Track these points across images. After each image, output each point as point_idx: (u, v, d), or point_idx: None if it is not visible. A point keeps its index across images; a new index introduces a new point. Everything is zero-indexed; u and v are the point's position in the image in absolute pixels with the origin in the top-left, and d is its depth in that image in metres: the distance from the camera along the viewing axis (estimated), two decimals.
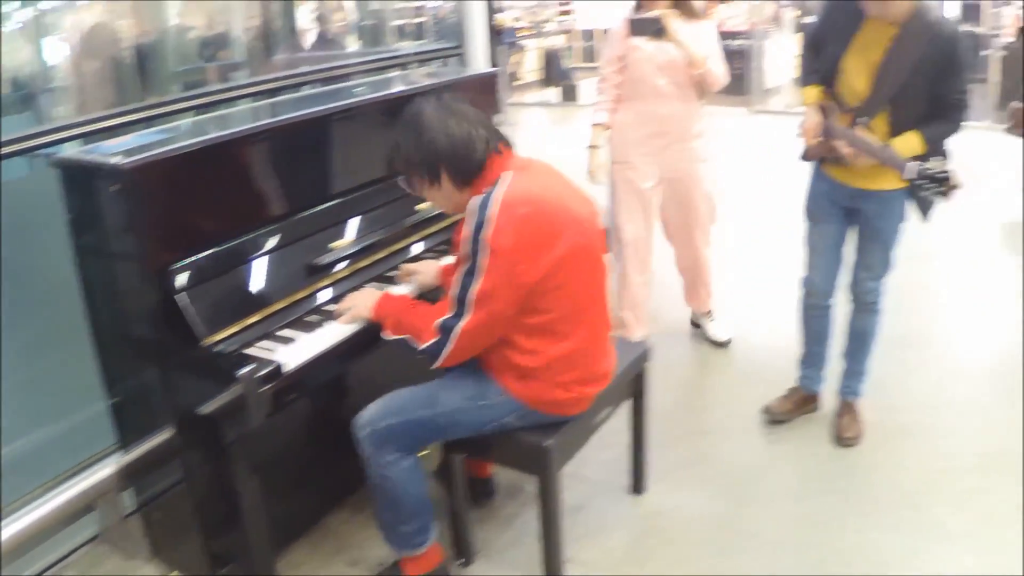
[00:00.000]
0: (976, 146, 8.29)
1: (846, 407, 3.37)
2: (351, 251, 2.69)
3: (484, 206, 2.14)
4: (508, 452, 2.45)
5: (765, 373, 3.77)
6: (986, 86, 11.50)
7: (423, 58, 4.05)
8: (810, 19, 11.47)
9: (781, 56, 11.40)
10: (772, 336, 3.97)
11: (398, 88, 3.15)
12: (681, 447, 3.34)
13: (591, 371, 2.39)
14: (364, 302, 2.40)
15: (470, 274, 2.15)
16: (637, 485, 3.02)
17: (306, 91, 3.47)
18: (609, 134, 3.85)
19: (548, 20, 17.20)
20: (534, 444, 2.37)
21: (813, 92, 3.05)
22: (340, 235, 2.73)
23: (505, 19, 12.49)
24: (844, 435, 3.30)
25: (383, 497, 2.43)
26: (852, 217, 3.13)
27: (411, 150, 2.26)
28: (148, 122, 2.90)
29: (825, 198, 3.15)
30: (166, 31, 4.59)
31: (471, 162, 2.24)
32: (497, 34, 12.60)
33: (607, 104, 3.82)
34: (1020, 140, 6.53)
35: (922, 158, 2.79)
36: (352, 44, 9.79)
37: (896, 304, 4.39)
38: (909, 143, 2.80)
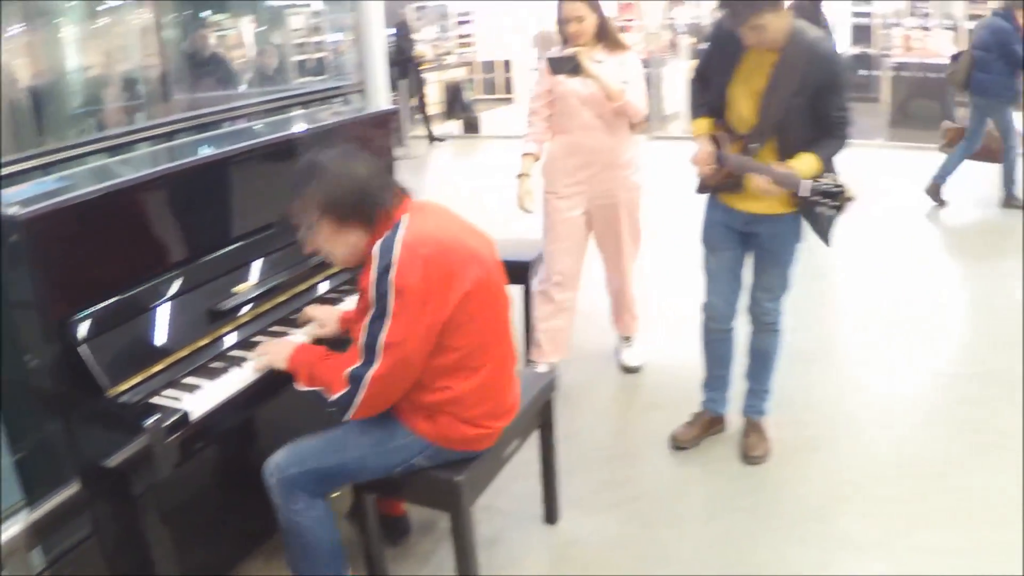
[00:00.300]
0: (870, 163, 8.67)
1: (752, 426, 3.46)
2: (254, 295, 2.69)
3: (388, 249, 2.16)
4: (419, 490, 2.46)
5: (676, 396, 3.83)
6: (878, 105, 11.93)
7: (325, 95, 4.04)
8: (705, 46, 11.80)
9: (678, 83, 11.65)
10: (682, 360, 4.06)
11: (297, 128, 3.15)
12: (593, 473, 3.38)
13: (499, 404, 2.42)
14: (279, 352, 2.39)
15: (378, 319, 2.15)
16: (550, 514, 3.05)
17: (208, 132, 3.44)
18: (539, 164, 3.96)
19: (449, 52, 17.33)
20: (445, 481, 2.38)
21: (703, 124, 3.14)
22: (243, 279, 2.72)
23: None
24: (751, 454, 3.38)
25: (295, 543, 2.41)
26: (748, 242, 3.22)
27: (317, 195, 2.24)
28: (45, 169, 2.85)
29: (720, 226, 3.23)
30: (64, 72, 4.53)
31: (377, 206, 2.25)
32: (416, 67, 12.60)
33: (536, 135, 3.92)
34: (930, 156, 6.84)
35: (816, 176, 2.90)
36: (253, 80, 9.72)
37: (798, 321, 4.54)
38: (807, 164, 2.88)
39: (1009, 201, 6.92)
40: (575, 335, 4.22)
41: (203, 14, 10.77)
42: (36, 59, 4.37)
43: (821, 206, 2.81)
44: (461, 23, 17.88)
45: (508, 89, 16.03)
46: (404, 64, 11.50)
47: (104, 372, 2.24)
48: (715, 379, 3.50)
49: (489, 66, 17.35)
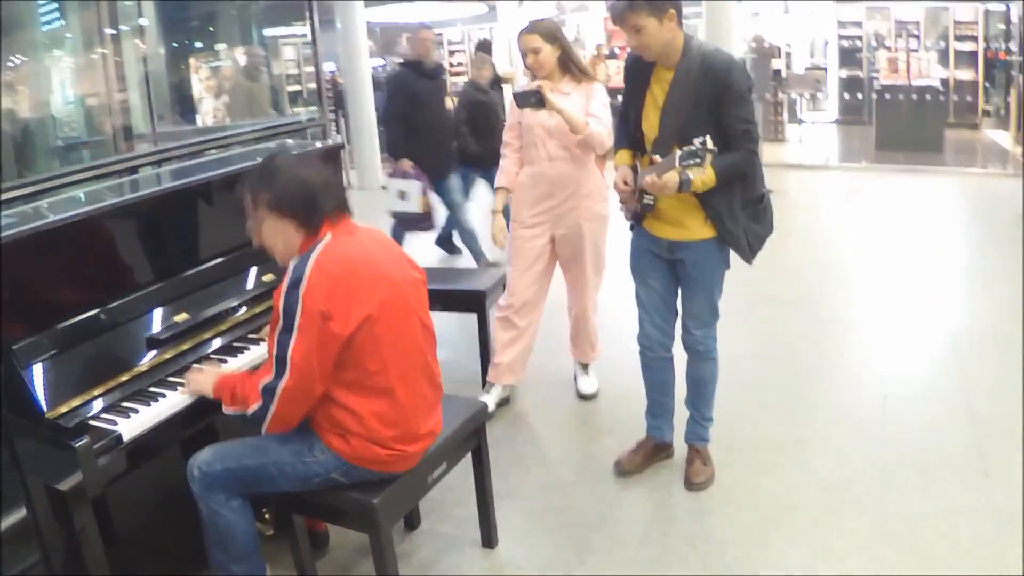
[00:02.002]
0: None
1: (694, 453, 3.49)
2: (193, 323, 2.79)
3: (302, 264, 2.29)
4: (338, 511, 2.54)
5: (629, 424, 3.87)
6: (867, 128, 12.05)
7: (285, 131, 4.14)
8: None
9: None
10: (639, 388, 4.05)
11: (241, 165, 3.25)
12: (536, 499, 3.44)
13: (411, 430, 2.49)
14: (206, 379, 2.50)
15: (286, 332, 2.27)
16: (487, 539, 3.10)
17: (168, 167, 3.55)
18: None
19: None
20: (362, 503, 2.46)
21: (623, 155, 3.25)
22: (183, 308, 2.83)
23: None
24: (693, 480, 3.42)
25: (215, 535, 2.51)
26: (674, 269, 3.27)
27: (269, 188, 2.38)
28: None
29: (646, 253, 3.30)
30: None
31: (316, 213, 2.37)
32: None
33: (507, 169, 4.03)
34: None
35: (726, 190, 2.99)
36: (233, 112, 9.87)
37: (742, 345, 4.62)
38: (702, 175, 2.91)
39: None
40: (534, 360, 4.29)
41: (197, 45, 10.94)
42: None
43: (693, 166, 2.79)
44: (452, 52, 18.13)
45: None
46: None
47: (45, 395, 2.35)
48: (656, 406, 3.55)
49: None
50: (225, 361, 2.74)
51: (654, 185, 2.93)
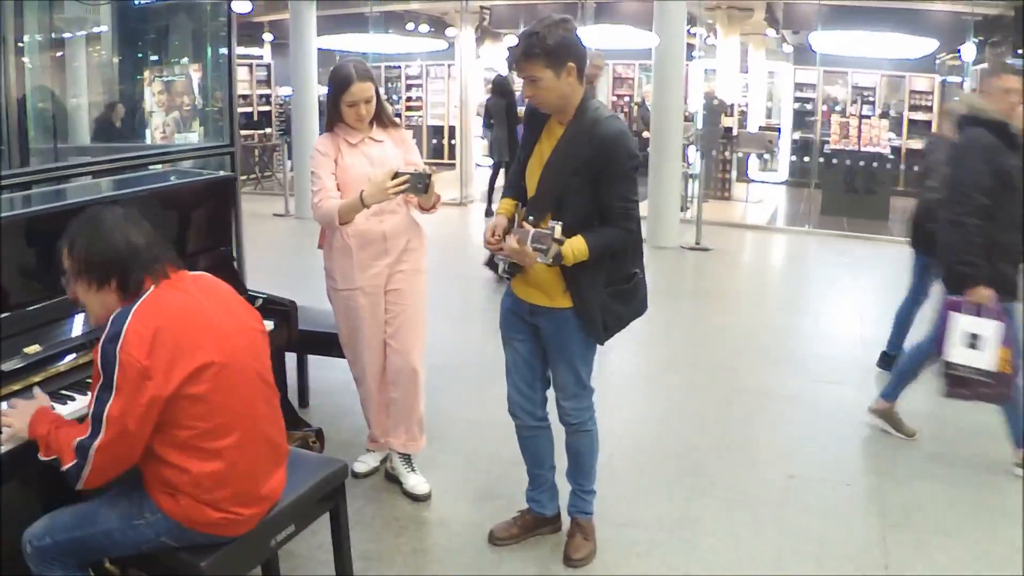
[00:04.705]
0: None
1: (576, 527, 3.33)
2: (43, 356, 2.68)
3: (121, 319, 2.14)
4: (167, 574, 2.38)
5: (517, 488, 3.62)
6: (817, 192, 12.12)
7: (197, 155, 4.01)
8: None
9: None
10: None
11: (119, 190, 3.12)
12: (401, 565, 3.27)
13: (247, 491, 2.34)
14: (21, 419, 2.33)
15: (105, 389, 2.12)
16: None
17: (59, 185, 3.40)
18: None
19: (397, 115, 17.48)
20: (190, 565, 2.30)
21: (505, 204, 3.13)
22: (34, 340, 2.70)
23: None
24: (572, 556, 3.25)
25: None
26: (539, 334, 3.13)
27: (87, 251, 2.23)
28: None
29: (511, 314, 3.17)
30: None
31: (134, 276, 2.23)
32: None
33: None
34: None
35: (592, 265, 2.85)
36: (196, 130, 9.71)
37: (647, 413, 4.49)
38: (574, 246, 2.81)
39: None
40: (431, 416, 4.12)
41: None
42: None
43: (540, 251, 2.73)
44: (411, 86, 18.11)
45: (452, 155, 16.11)
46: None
47: None
48: (534, 478, 3.39)
49: (438, 131, 17.57)
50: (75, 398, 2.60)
51: (515, 251, 2.82)
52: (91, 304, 2.29)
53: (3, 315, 2.68)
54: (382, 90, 16.31)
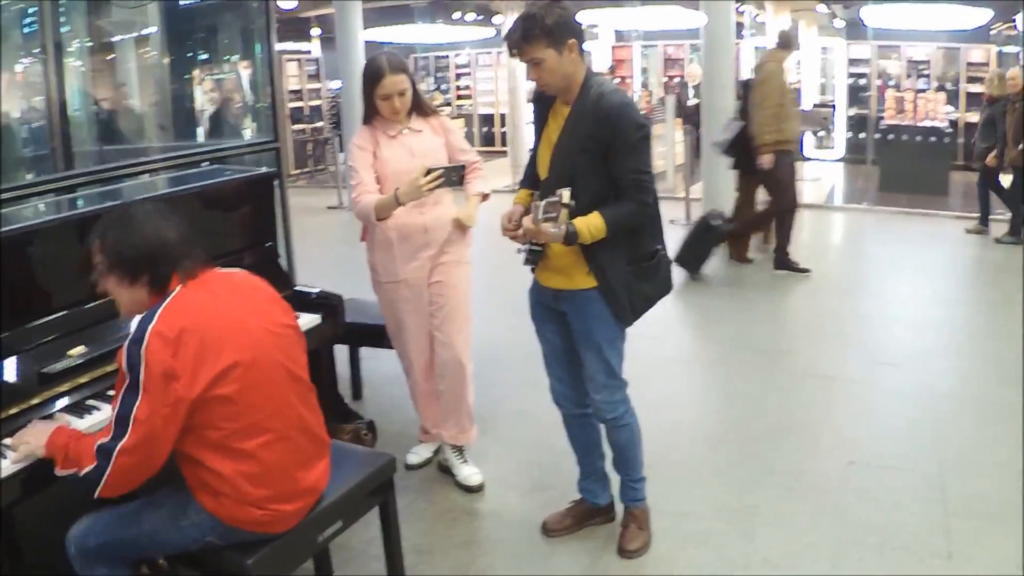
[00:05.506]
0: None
1: (629, 516, 3.27)
2: (87, 359, 2.69)
3: (146, 320, 2.12)
4: (213, 572, 2.37)
5: (571, 478, 3.55)
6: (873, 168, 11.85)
7: (241, 152, 4.02)
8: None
9: (668, 141, 11.58)
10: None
11: (163, 190, 3.13)
12: (454, 556, 3.26)
13: (287, 488, 2.32)
14: (37, 438, 2.31)
15: (132, 391, 2.10)
16: None
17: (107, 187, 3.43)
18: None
19: (447, 104, 17.48)
20: (236, 564, 2.29)
21: (521, 194, 3.08)
22: (78, 342, 2.72)
23: None
24: (626, 547, 3.20)
25: None
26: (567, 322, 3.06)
27: (119, 246, 2.23)
28: None
29: (539, 306, 3.13)
30: None
31: (162, 272, 2.22)
32: None
33: None
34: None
35: (611, 242, 2.79)
36: (248, 127, 9.79)
37: (705, 400, 4.41)
38: (590, 223, 2.76)
39: None
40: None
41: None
42: None
43: (548, 220, 2.68)
44: (460, 75, 18.09)
45: (503, 143, 16.06)
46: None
47: None
48: (584, 466, 3.34)
49: (489, 119, 17.54)
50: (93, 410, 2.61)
51: (529, 230, 2.77)
52: (121, 299, 2.29)
53: (49, 317, 2.70)
54: (431, 80, 16.54)
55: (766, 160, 6.82)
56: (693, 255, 7.15)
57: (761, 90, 6.88)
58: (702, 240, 7.17)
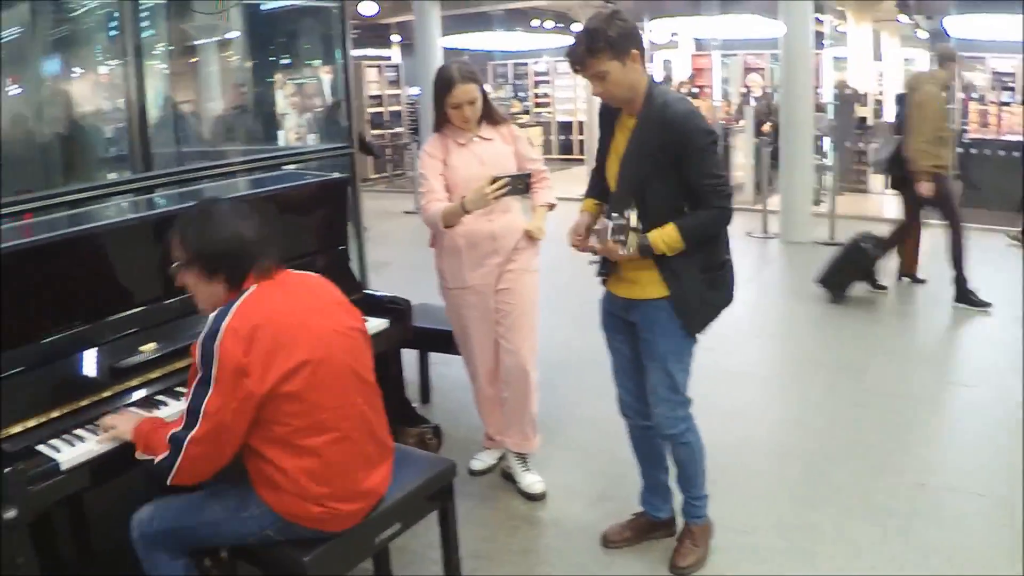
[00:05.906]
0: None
1: (686, 532, 3.23)
2: (158, 355, 2.77)
3: (221, 316, 2.18)
4: (269, 566, 2.43)
5: (634, 488, 3.54)
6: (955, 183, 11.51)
7: (312, 157, 4.10)
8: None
9: (747, 152, 11.46)
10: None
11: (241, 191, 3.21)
12: (512, 565, 3.26)
13: (347, 488, 2.36)
14: (125, 425, 2.41)
15: (204, 383, 2.16)
16: None
17: (185, 188, 3.53)
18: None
19: (526, 112, 17.49)
20: (293, 560, 2.34)
21: (588, 204, 3.09)
22: (150, 339, 2.80)
23: None
24: (677, 563, 3.15)
25: None
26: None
27: (194, 240, 2.30)
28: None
29: (610, 316, 3.11)
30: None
31: (240, 269, 2.29)
32: None
33: None
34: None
35: (691, 252, 2.79)
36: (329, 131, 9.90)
37: (781, 412, 4.33)
38: (666, 234, 2.75)
39: None
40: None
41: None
42: None
43: (617, 241, 2.68)
44: (539, 83, 18.12)
45: (581, 151, 16.06)
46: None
47: None
48: (647, 478, 3.32)
49: (566, 127, 17.53)
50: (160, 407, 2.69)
51: (600, 251, 2.82)
52: (199, 294, 2.36)
53: (123, 313, 2.79)
54: (509, 87, 16.56)
55: (924, 189, 6.47)
56: (839, 279, 6.86)
57: (919, 113, 6.47)
58: (852, 263, 6.88)
